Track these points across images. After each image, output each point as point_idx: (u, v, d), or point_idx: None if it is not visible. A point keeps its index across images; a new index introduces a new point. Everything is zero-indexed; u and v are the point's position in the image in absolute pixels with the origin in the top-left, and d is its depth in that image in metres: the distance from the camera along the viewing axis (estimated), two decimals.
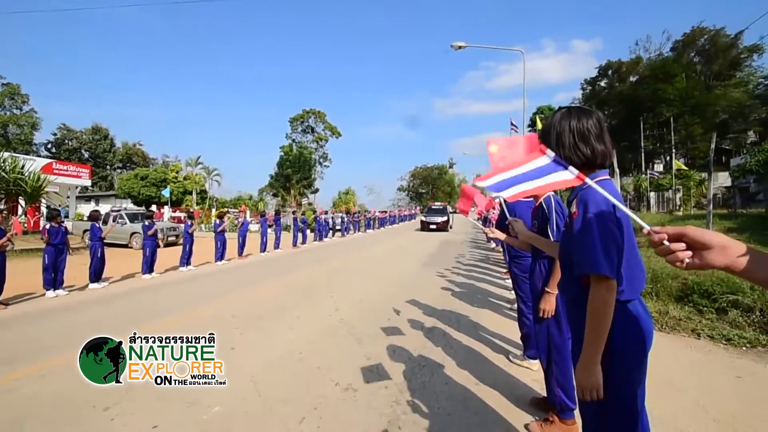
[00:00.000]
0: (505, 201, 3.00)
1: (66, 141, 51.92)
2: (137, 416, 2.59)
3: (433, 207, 27.37)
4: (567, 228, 1.41)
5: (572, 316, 1.39)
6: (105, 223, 13.80)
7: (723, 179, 30.89)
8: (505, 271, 7.96)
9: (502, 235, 2.86)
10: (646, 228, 0.87)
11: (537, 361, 3.09)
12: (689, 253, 0.80)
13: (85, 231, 15.36)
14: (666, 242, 0.82)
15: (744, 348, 3.82)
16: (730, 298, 4.70)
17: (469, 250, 13.60)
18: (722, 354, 3.72)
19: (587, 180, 1.06)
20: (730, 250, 0.77)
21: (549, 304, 2.27)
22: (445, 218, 24.18)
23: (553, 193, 2.32)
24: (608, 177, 1.34)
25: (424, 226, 24.34)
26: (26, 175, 13.21)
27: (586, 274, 1.23)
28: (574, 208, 1.31)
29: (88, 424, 2.51)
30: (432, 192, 73.93)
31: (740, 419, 2.50)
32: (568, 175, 1.09)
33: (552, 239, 2.11)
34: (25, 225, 9.42)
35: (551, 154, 1.11)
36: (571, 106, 1.44)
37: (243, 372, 3.28)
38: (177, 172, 39.76)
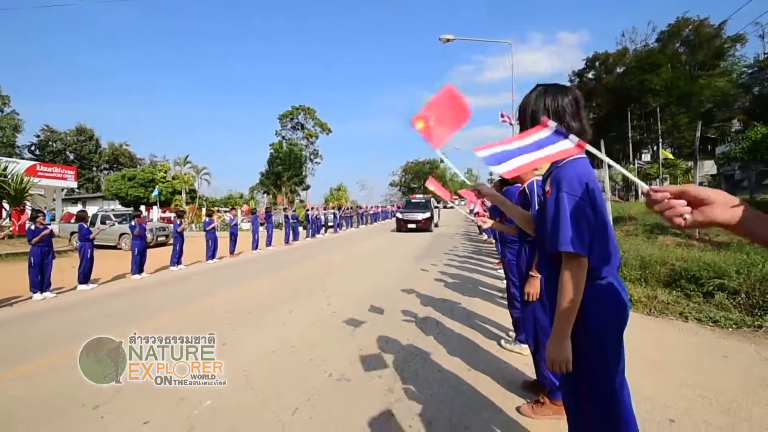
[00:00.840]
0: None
1: (50, 143, 50.81)
2: (128, 413, 2.56)
3: (413, 200, 21.72)
4: (541, 206, 1.41)
5: (549, 294, 1.41)
6: (92, 225, 13.56)
7: (709, 167, 31.46)
8: (497, 261, 8.01)
9: (489, 222, 2.88)
10: (645, 187, 0.84)
11: (527, 346, 3.12)
12: (689, 209, 0.78)
13: (72, 233, 15.11)
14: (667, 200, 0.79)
15: (730, 329, 3.91)
16: (717, 282, 4.81)
17: (461, 242, 13.67)
18: (709, 335, 3.81)
19: (587, 147, 1.05)
20: (731, 205, 0.75)
21: (533, 288, 2.29)
22: (427, 215, 19.02)
23: (538, 179, 2.33)
24: (584, 156, 1.33)
25: (401, 226, 18.87)
26: (9, 177, 12.94)
27: (558, 252, 1.24)
28: (548, 187, 1.32)
29: (77, 422, 2.48)
30: (424, 187, 74.04)
31: (724, 395, 2.56)
32: (568, 144, 1.08)
33: None
34: (10, 229, 9.23)
35: (552, 125, 1.08)
36: (547, 84, 1.44)
37: (235, 366, 3.26)
38: (165, 172, 39.16)
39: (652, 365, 3.10)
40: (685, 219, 0.77)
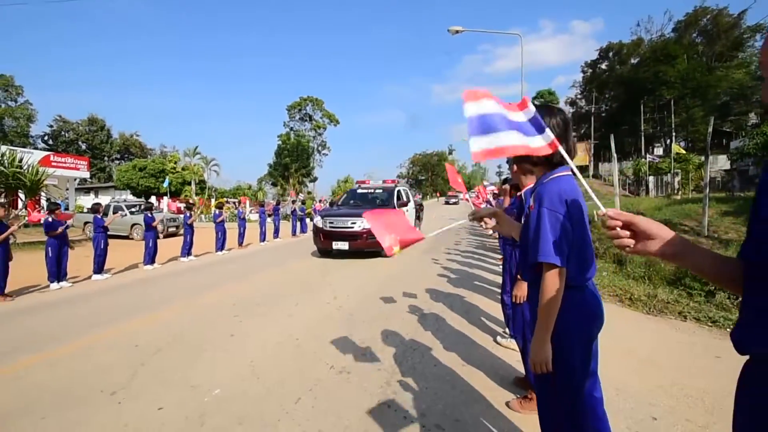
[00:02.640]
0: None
1: (63, 133, 51.67)
2: (143, 399, 2.74)
3: (362, 190, 11.40)
4: (525, 219, 1.51)
5: (531, 298, 1.52)
6: (105, 215, 13.93)
7: (722, 162, 30.81)
8: (500, 257, 8.09)
9: (492, 223, 2.97)
10: (603, 210, 0.98)
11: None
12: (632, 241, 0.92)
13: (86, 223, 15.51)
14: (618, 229, 0.93)
15: (728, 329, 3.94)
16: None
17: (465, 237, 13.74)
18: (706, 335, 3.86)
19: (571, 164, 1.16)
20: (667, 240, 0.89)
21: (521, 290, 2.40)
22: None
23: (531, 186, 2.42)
24: (569, 173, 1.43)
25: (325, 245, 9.23)
26: (25, 168, 13.29)
27: (539, 263, 1.35)
28: (531, 202, 1.42)
29: (96, 407, 2.66)
30: (431, 178, 73.76)
31: (711, 395, 2.65)
32: (541, 141, 1.17)
33: None
34: (26, 219, 9.52)
35: (532, 108, 1.18)
36: (538, 105, 1.53)
37: (242, 357, 3.43)
38: (175, 163, 39.67)
39: (645, 364, 3.19)
40: (629, 247, 0.92)
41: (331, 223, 9.10)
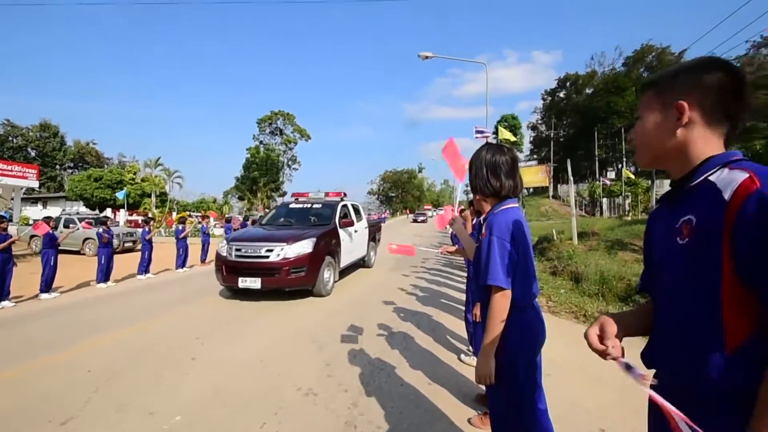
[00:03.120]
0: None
1: (10, 138, 48.20)
2: (97, 428, 2.61)
3: (294, 205, 8.87)
4: (478, 246, 1.67)
5: (483, 317, 1.67)
6: (55, 228, 13.05)
7: (667, 186, 33.42)
8: (465, 275, 8.33)
9: (452, 248, 3.14)
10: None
11: None
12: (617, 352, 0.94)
13: (32, 236, 14.43)
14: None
15: None
16: None
17: (433, 255, 13.98)
18: None
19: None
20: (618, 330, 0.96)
21: (480, 310, 2.54)
22: (310, 244, 6.62)
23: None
24: (516, 205, 1.63)
25: (231, 280, 6.47)
26: None
27: (487, 285, 1.50)
28: (483, 230, 1.58)
29: None
30: (401, 195, 74.66)
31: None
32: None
33: None
34: None
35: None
36: (491, 144, 1.72)
37: (204, 380, 3.34)
38: (134, 174, 37.88)
39: (596, 381, 3.40)
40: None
41: (239, 250, 6.46)
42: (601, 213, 32.78)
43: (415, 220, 43.20)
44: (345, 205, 8.60)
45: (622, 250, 10.52)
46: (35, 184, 25.11)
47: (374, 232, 10.76)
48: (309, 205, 8.53)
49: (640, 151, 1.00)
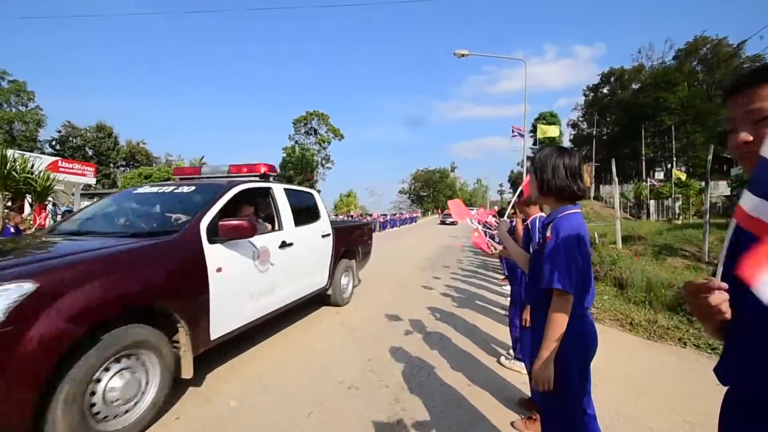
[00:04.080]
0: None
1: (70, 138, 52.34)
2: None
3: (145, 190, 4.13)
4: (539, 247, 1.66)
5: (534, 319, 1.66)
6: None
7: (723, 188, 31.06)
8: (502, 278, 8.19)
9: (499, 248, 3.11)
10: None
11: (524, 365, 3.33)
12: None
13: None
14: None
15: None
16: None
17: (467, 256, 13.82)
18: (705, 362, 3.91)
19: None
20: None
21: (530, 313, 2.51)
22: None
23: (540, 214, 2.58)
24: (579, 210, 1.61)
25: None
26: (35, 174, 13.51)
27: (550, 288, 1.49)
28: (548, 233, 1.57)
29: None
30: (433, 195, 74.17)
31: (708, 419, 2.72)
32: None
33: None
34: (32, 224, 9.67)
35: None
36: (560, 146, 1.71)
37: (251, 372, 3.51)
38: None
39: (643, 389, 3.27)
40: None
41: None
42: (648, 216, 30.91)
43: (443, 222, 37.71)
44: (260, 190, 4.31)
45: (672, 255, 9.93)
46: (93, 181, 27.20)
47: (353, 242, 6.28)
48: (173, 189, 3.89)
49: None
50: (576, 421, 1.54)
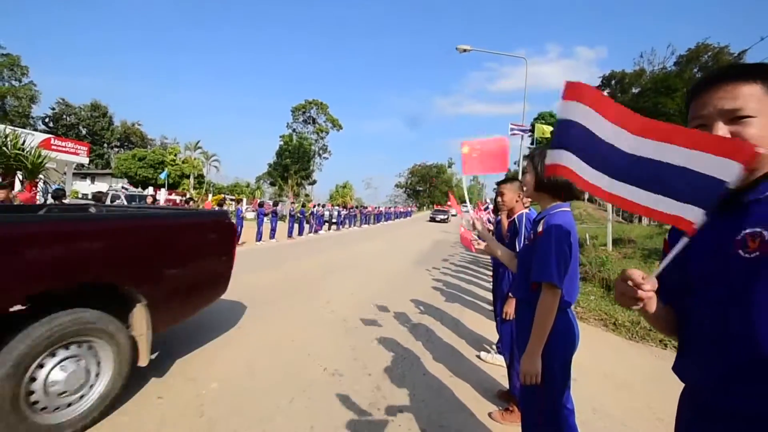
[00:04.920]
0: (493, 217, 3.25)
1: (64, 116, 51.51)
2: (142, 388, 2.85)
3: None
4: (530, 242, 1.69)
5: (520, 313, 1.69)
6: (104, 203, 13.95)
7: None
8: (492, 274, 8.27)
9: (483, 245, 3.15)
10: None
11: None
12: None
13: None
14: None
15: None
16: None
17: (459, 251, 13.92)
18: None
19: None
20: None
21: (511, 307, 2.57)
22: None
23: (526, 210, 2.62)
24: (569, 209, 1.65)
25: None
26: (26, 150, 13.31)
27: (539, 282, 1.53)
28: (540, 228, 1.61)
29: None
30: (429, 190, 74.22)
31: None
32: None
33: (518, 250, 2.41)
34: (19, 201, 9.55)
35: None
36: None
37: (238, 356, 3.54)
38: (175, 155, 39.68)
39: (622, 387, 3.35)
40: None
41: None
42: (640, 220, 31.24)
43: (432, 219, 35.51)
44: None
45: (660, 259, 10.06)
46: (85, 161, 26.78)
47: (121, 259, 2.52)
48: None
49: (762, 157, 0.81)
50: (557, 414, 1.58)
